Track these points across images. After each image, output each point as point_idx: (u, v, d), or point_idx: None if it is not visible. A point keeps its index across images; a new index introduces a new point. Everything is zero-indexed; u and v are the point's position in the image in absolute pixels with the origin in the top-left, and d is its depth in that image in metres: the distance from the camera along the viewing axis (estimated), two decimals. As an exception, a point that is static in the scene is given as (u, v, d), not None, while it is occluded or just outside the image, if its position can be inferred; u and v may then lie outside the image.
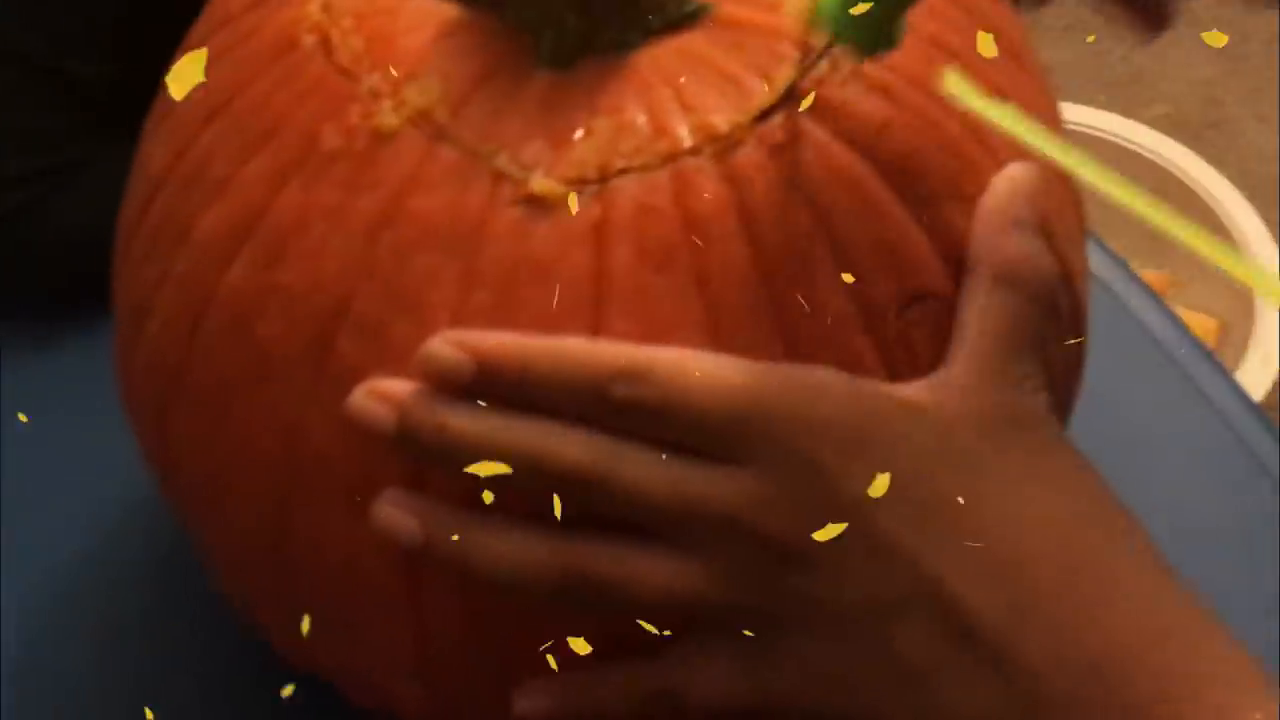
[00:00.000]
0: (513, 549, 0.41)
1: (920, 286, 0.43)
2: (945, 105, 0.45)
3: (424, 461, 0.42)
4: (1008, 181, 0.44)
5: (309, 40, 0.46)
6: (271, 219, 0.44)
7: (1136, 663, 0.39)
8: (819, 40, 0.42)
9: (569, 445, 0.39)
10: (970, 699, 0.39)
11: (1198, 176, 1.40)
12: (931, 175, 0.44)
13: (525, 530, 0.41)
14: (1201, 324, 1.32)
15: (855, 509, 0.39)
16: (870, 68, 0.44)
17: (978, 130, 0.45)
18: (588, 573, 0.40)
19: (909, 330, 0.43)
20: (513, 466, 0.40)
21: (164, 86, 0.51)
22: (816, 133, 0.43)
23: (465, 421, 0.40)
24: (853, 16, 0.40)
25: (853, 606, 0.39)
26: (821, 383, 0.40)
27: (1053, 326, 0.44)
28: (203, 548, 0.50)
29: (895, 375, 0.43)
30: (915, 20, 0.43)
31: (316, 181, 0.43)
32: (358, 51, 0.45)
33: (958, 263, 0.44)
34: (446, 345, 0.40)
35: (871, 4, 0.39)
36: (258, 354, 0.44)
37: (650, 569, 0.40)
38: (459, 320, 0.42)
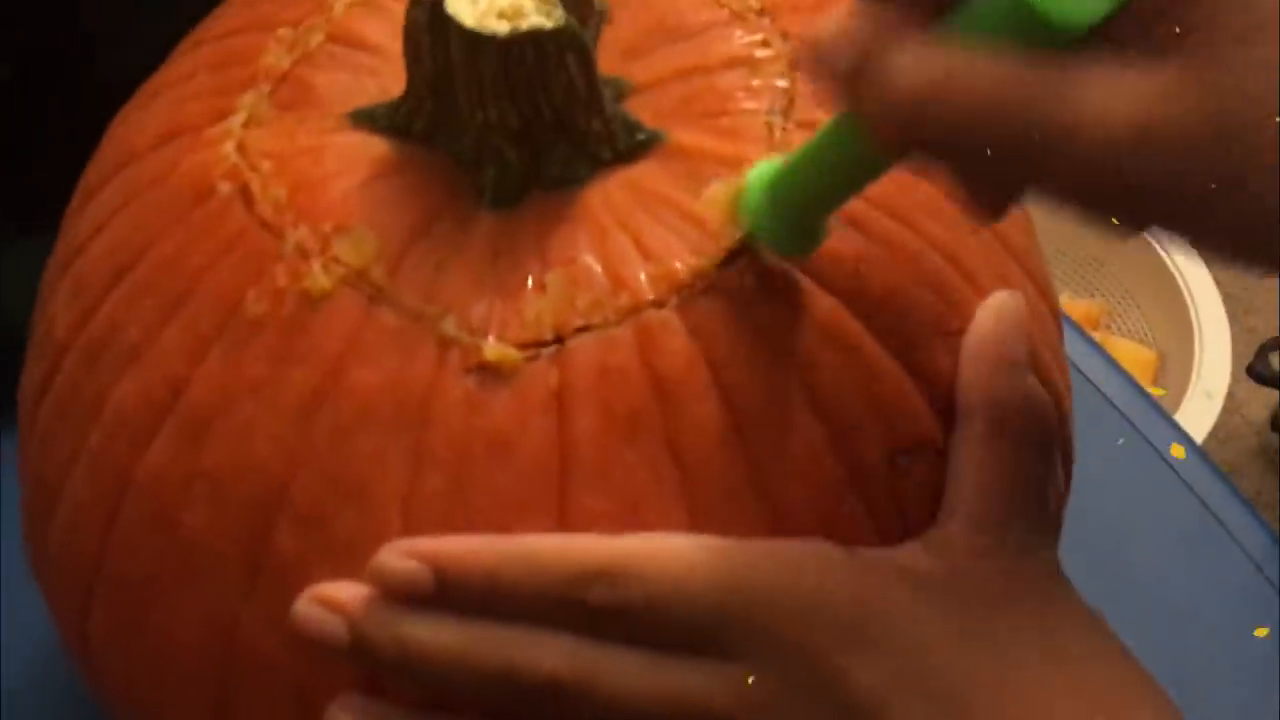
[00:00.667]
0: None
1: (909, 437, 0.40)
2: (923, 233, 0.41)
3: (382, 672, 0.38)
4: (992, 316, 0.40)
5: (225, 188, 0.41)
6: (193, 395, 0.40)
7: None
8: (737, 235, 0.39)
9: (544, 654, 0.36)
10: None
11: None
12: (913, 313, 0.41)
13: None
14: (1139, 355, 1.30)
15: (863, 702, 0.35)
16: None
17: (957, 258, 0.42)
18: None
19: (900, 485, 0.40)
20: (483, 679, 0.36)
21: (62, 230, 0.47)
22: (787, 274, 0.39)
23: (426, 632, 0.36)
24: (777, 219, 0.38)
25: None
26: (812, 560, 0.37)
27: (1051, 468, 0.40)
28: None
29: (886, 535, 0.40)
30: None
31: (241, 352, 0.39)
32: (280, 202, 0.41)
33: (947, 407, 0.41)
34: (400, 557, 0.36)
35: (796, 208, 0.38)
36: (185, 546, 0.39)
37: None
38: (410, 508, 0.38)
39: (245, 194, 0.41)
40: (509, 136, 0.40)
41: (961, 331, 0.41)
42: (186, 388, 0.40)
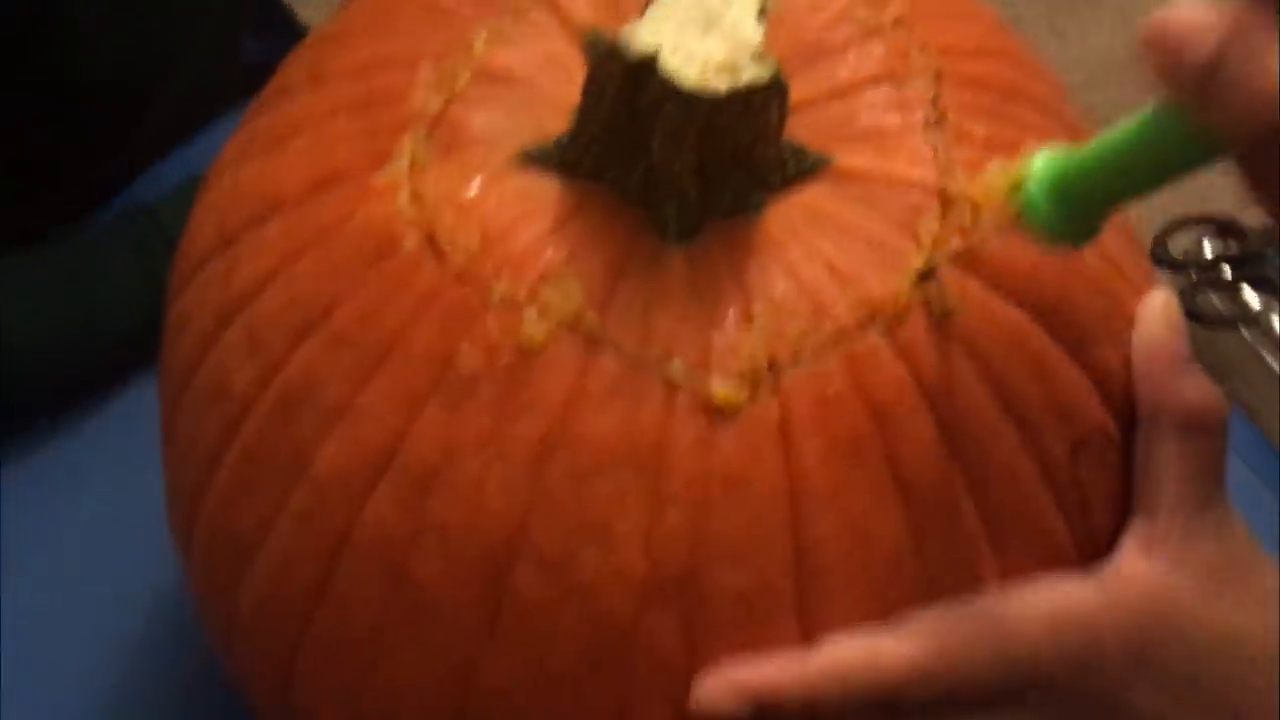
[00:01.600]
0: None
1: (1084, 427, 0.43)
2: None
3: None
4: (1160, 318, 0.43)
5: (410, 240, 0.42)
6: (412, 450, 0.40)
7: None
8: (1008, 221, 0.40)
9: None
10: None
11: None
12: (1082, 315, 0.43)
13: None
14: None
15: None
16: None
17: (1109, 255, 0.45)
18: None
19: (1081, 475, 0.43)
20: None
21: (198, 269, 0.47)
22: (977, 290, 0.42)
23: None
24: (1061, 210, 0.38)
25: None
26: (1084, 609, 0.40)
27: (1227, 444, 0.44)
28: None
29: (1071, 519, 0.43)
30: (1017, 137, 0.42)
31: (460, 407, 0.40)
32: (474, 252, 0.41)
33: (1114, 395, 0.43)
34: (722, 695, 0.38)
35: (1087, 200, 0.38)
36: (416, 595, 0.41)
37: None
38: (652, 543, 0.39)
39: (434, 246, 0.42)
40: (689, 173, 0.42)
41: (1122, 325, 0.44)
42: (404, 443, 0.41)
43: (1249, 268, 1.17)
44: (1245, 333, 1.27)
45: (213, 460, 0.45)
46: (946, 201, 0.42)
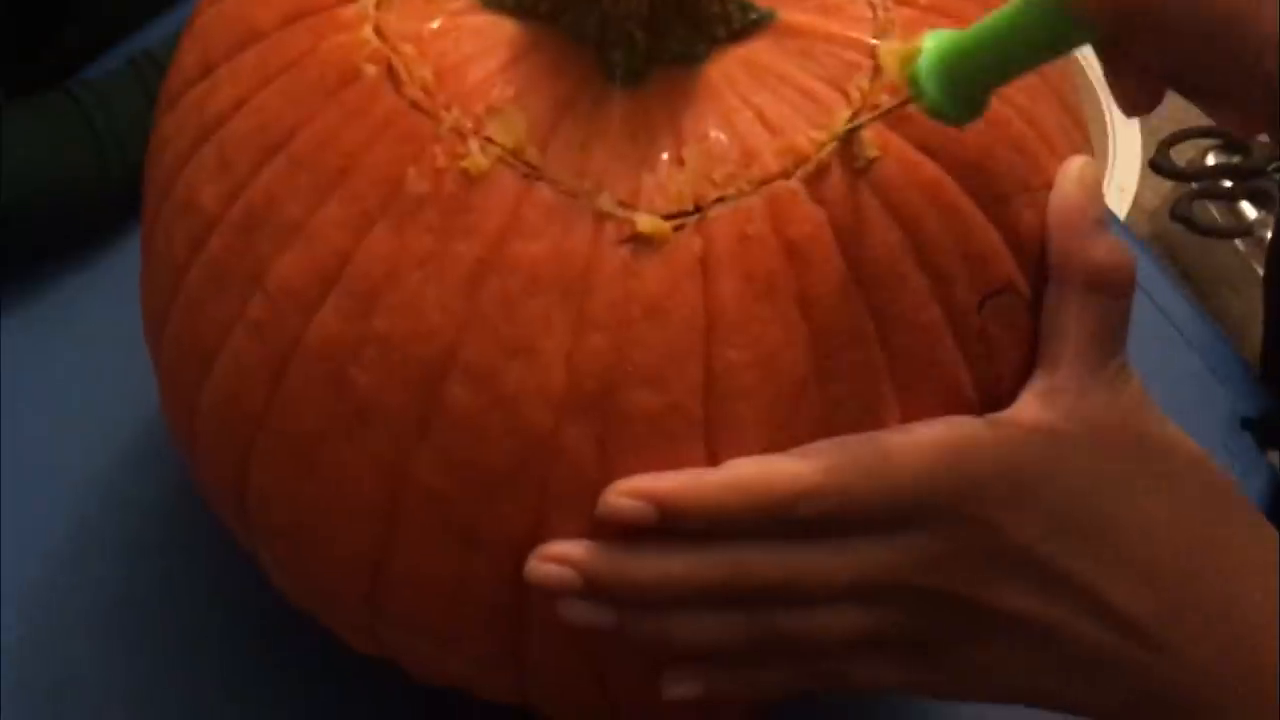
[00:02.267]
0: (711, 626, 0.43)
1: (995, 280, 0.45)
2: (1009, 101, 0.46)
3: (622, 613, 0.43)
4: (1076, 183, 0.45)
5: (371, 70, 0.44)
6: (359, 266, 0.43)
7: (1267, 632, 0.42)
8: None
9: (755, 563, 0.42)
10: (1134, 674, 0.43)
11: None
12: (1001, 173, 0.45)
13: (720, 608, 0.43)
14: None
15: (1026, 551, 0.42)
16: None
17: (1034, 121, 0.47)
18: (779, 632, 0.43)
19: (988, 325, 0.45)
20: (707, 593, 0.42)
21: (178, 98, 0.50)
22: (898, 145, 0.44)
23: (652, 567, 0.42)
24: (947, 88, 0.41)
25: (1023, 624, 0.43)
26: (965, 441, 0.42)
27: (1131, 305, 0.46)
28: (281, 572, 0.50)
29: (976, 368, 0.45)
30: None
31: (405, 228, 0.43)
32: (428, 84, 0.44)
33: (1027, 253, 0.46)
34: (627, 499, 0.41)
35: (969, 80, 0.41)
36: (356, 401, 0.44)
37: (835, 621, 0.43)
38: (573, 363, 0.42)
39: (392, 76, 0.44)
40: (638, 20, 0.44)
41: (1041, 187, 0.46)
42: (352, 260, 0.43)
43: (1249, 181, 1.18)
44: (1239, 244, 1.28)
45: (180, 273, 0.48)
46: (876, 60, 0.45)
